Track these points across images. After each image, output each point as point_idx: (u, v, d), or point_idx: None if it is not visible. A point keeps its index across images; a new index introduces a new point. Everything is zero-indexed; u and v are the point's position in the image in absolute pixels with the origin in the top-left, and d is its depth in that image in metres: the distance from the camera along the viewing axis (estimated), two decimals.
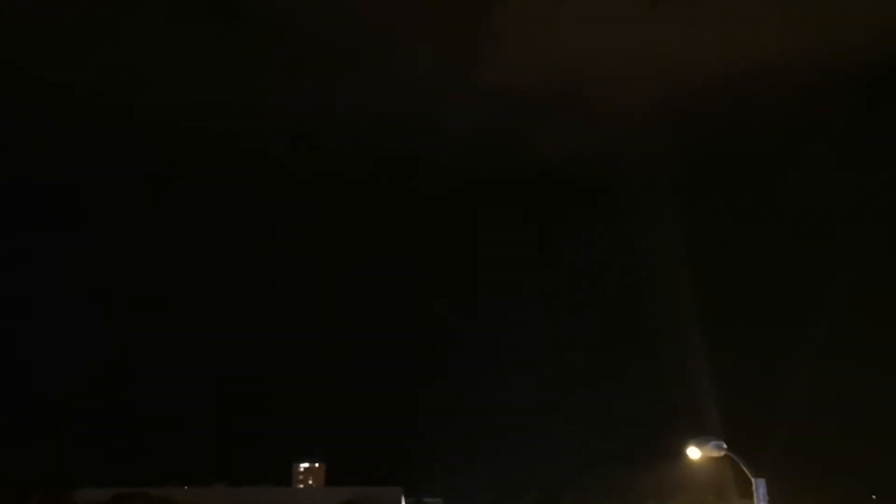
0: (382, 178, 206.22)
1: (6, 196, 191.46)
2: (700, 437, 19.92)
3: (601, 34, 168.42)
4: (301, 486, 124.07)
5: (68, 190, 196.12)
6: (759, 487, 18.56)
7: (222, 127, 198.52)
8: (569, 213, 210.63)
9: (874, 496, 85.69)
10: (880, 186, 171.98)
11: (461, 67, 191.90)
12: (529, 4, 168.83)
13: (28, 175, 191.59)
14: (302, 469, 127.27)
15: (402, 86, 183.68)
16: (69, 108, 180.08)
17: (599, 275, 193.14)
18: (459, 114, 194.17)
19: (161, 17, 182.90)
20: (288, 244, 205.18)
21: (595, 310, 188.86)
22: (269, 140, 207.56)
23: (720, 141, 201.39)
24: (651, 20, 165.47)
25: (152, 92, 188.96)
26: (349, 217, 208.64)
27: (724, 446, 19.22)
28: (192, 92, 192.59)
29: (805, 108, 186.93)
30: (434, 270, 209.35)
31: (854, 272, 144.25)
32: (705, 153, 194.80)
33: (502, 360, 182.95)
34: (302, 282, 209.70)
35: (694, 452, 19.67)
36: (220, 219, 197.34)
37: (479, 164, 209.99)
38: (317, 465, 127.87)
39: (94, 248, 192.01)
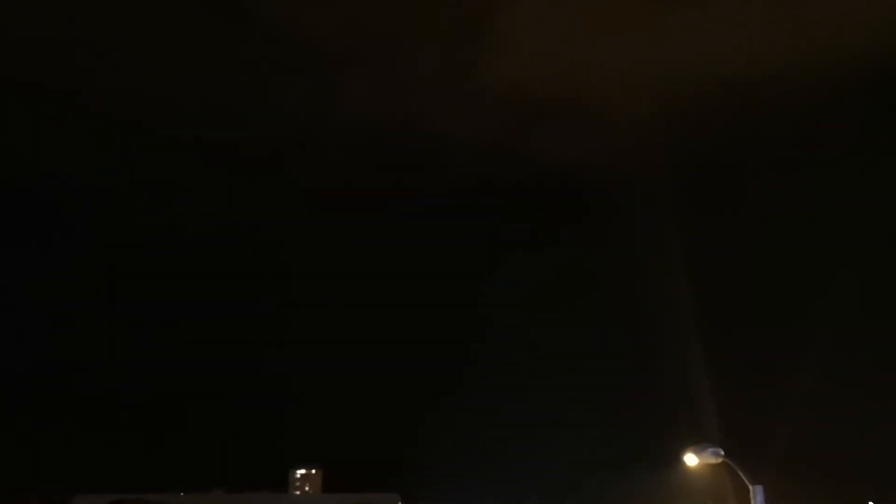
0: (382, 183, 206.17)
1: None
2: (698, 444, 19.95)
3: (604, 39, 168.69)
4: (298, 492, 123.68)
5: (59, 196, 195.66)
6: (757, 494, 18.59)
7: (221, 132, 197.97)
8: (569, 220, 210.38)
9: (871, 502, 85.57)
10: (884, 193, 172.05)
11: (463, 71, 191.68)
12: (531, 8, 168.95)
13: (19, 182, 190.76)
14: (298, 475, 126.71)
15: (403, 89, 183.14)
16: (55, 112, 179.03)
17: (599, 282, 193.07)
18: (460, 118, 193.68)
19: (158, 17, 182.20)
20: (286, 251, 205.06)
21: (594, 317, 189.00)
22: (267, 145, 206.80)
23: (723, 147, 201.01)
24: (655, 25, 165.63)
25: (145, 95, 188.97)
26: (348, 223, 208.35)
27: (722, 453, 19.25)
28: (188, 96, 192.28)
29: (810, 114, 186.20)
30: (435, 277, 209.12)
31: (855, 278, 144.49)
32: (708, 160, 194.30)
33: (501, 368, 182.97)
34: (301, 286, 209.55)
35: (692, 459, 19.70)
36: (219, 226, 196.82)
37: (480, 170, 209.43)
38: (313, 471, 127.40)
39: (92, 256, 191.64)
